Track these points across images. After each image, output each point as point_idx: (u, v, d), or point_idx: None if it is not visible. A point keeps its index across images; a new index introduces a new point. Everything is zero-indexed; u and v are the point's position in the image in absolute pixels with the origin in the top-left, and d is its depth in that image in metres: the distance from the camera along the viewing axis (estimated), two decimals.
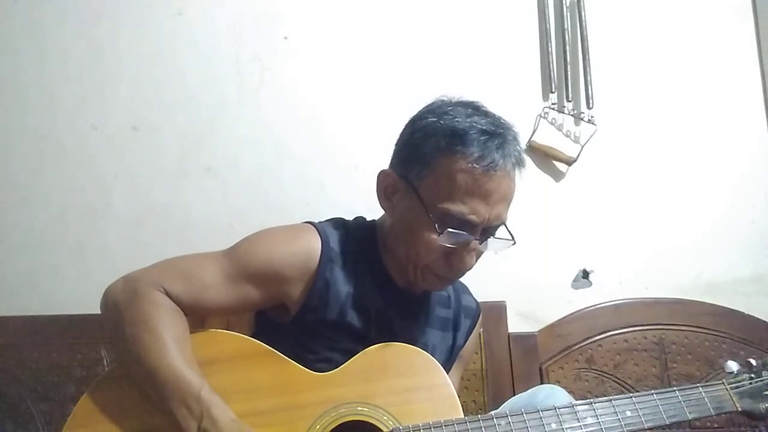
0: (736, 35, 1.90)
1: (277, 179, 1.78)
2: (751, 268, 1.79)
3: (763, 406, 0.96)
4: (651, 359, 1.68)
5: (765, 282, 1.78)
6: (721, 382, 1.00)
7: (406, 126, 1.08)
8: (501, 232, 1.04)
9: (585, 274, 1.77)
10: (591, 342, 1.69)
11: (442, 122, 1.00)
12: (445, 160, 0.98)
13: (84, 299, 1.58)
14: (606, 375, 1.66)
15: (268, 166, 1.79)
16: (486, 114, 1.03)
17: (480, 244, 1.00)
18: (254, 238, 1.05)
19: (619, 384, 1.66)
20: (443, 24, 1.86)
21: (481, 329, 1.63)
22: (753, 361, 1.02)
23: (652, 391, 0.96)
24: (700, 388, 0.98)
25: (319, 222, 1.11)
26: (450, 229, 0.96)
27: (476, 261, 1.03)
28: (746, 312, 1.72)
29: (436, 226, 0.97)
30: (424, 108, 1.08)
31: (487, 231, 1.01)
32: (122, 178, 1.77)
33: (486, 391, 1.62)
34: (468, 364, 1.30)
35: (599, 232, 1.80)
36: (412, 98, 1.76)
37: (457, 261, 1.00)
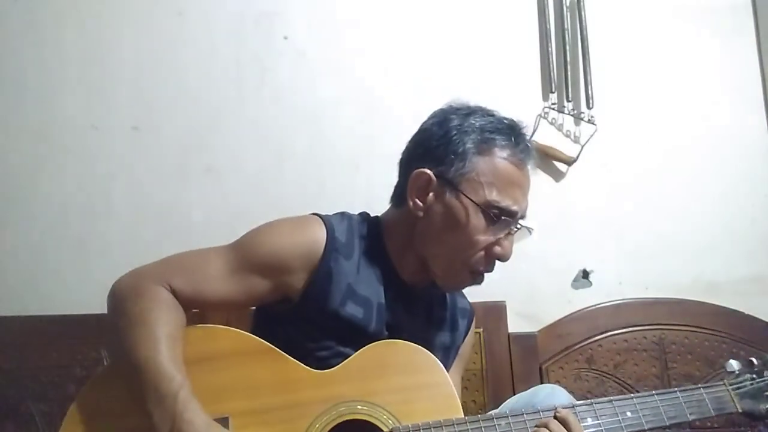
0: (736, 35, 1.90)
1: (277, 179, 1.78)
2: (751, 268, 1.79)
3: (764, 407, 0.96)
4: (651, 359, 1.68)
5: (765, 282, 1.78)
6: (722, 382, 1.00)
7: (434, 126, 1.08)
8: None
9: (585, 274, 1.77)
10: (591, 342, 1.69)
11: (472, 122, 1.04)
12: (485, 155, 1.02)
13: (84, 299, 1.58)
14: (606, 375, 1.66)
15: (268, 166, 1.79)
16: (502, 116, 1.08)
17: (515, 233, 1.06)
18: (259, 230, 1.05)
19: (619, 384, 1.66)
20: (443, 24, 1.86)
21: (481, 329, 1.64)
22: (754, 360, 1.01)
23: (653, 392, 0.96)
24: (702, 388, 0.98)
25: (326, 214, 1.11)
26: (504, 217, 1.01)
27: None
28: (746, 312, 1.72)
29: (492, 215, 1.01)
30: (440, 111, 1.09)
31: (520, 220, 1.06)
32: (122, 178, 1.77)
33: (486, 391, 1.63)
34: (468, 364, 1.31)
35: (599, 232, 1.80)
36: (412, 98, 1.79)
37: (500, 251, 1.03)
